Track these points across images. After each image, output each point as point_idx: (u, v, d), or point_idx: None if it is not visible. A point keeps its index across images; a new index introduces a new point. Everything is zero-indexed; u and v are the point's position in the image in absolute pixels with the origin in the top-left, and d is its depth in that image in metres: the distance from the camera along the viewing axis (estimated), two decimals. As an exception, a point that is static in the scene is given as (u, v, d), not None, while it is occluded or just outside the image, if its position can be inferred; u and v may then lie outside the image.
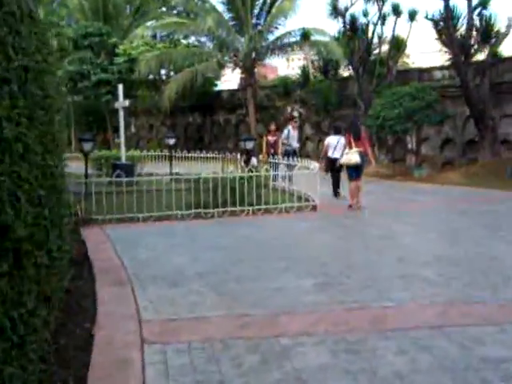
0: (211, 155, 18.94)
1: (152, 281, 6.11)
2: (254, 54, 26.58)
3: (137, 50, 27.74)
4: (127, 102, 15.26)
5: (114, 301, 5.35)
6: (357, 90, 22.78)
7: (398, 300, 5.36)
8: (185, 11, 31.72)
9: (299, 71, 27.89)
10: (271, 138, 16.83)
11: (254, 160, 16.56)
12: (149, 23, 32.99)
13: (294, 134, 16.67)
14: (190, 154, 19.68)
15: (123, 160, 15.53)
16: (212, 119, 33.03)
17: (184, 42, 30.44)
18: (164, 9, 36.04)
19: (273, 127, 16.94)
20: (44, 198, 3.82)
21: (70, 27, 31.22)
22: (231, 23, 27.33)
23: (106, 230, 9.21)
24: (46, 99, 4.29)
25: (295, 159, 13.78)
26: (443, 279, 6.09)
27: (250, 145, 14.00)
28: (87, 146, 12.43)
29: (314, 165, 12.19)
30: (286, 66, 45.95)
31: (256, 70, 28.24)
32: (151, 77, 30.19)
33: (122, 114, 15.48)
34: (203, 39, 29.04)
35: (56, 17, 32.26)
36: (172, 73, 30.01)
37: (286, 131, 16.62)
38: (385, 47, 23.06)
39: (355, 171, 11.60)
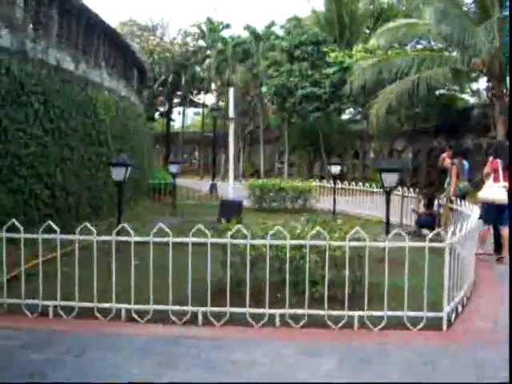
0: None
1: None
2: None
3: (351, 57, 23.08)
4: (233, 114, 10.94)
5: None
6: None
7: None
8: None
9: None
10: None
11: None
12: (381, 29, 28.12)
13: None
14: (360, 187, 14.55)
15: (230, 193, 11.25)
16: (459, 144, 26.36)
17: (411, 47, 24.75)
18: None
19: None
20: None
21: (285, 39, 28.18)
22: (471, 16, 20.83)
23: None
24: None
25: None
26: None
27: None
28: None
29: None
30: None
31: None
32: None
33: (231, 130, 11.22)
34: (435, 41, 22.90)
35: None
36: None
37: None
38: None
39: (503, 213, 8.22)
